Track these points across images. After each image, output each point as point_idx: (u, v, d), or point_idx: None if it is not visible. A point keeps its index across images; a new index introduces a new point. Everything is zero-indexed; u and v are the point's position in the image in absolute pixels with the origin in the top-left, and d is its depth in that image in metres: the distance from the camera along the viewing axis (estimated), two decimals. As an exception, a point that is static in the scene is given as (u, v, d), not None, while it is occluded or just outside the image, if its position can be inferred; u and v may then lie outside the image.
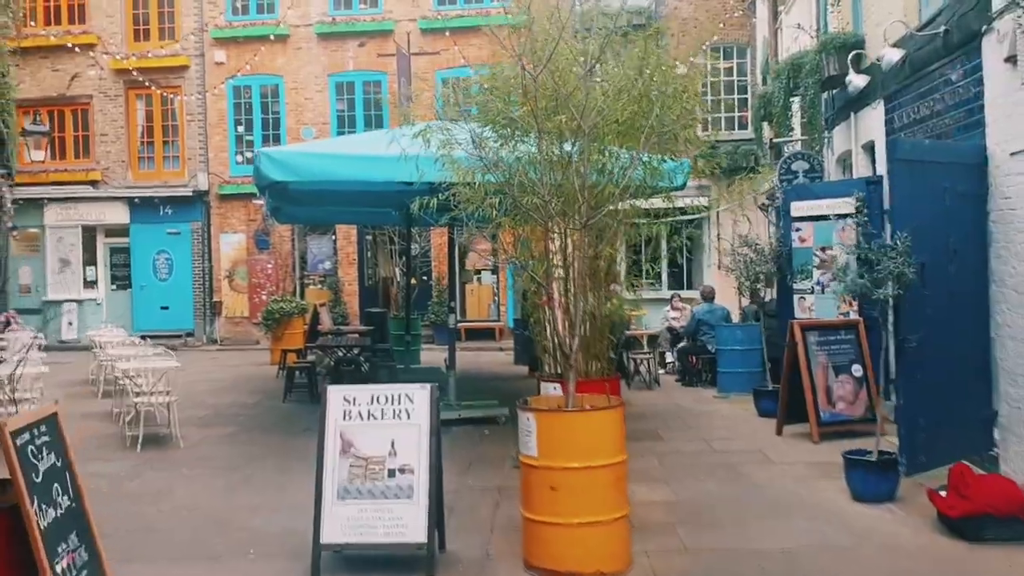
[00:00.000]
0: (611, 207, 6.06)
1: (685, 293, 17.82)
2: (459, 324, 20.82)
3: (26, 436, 3.73)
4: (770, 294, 13.17)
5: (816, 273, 10.82)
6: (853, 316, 10.00)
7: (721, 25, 19.59)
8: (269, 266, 21.84)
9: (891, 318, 7.55)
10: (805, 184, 12.38)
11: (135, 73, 21.60)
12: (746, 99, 20.43)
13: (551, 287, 6.26)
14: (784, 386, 9.61)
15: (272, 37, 21.54)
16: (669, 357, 15.26)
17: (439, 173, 6.84)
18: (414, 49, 19.79)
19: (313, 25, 21.58)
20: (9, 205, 15.12)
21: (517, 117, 5.99)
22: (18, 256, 22.49)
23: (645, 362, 13.93)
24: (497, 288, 21.33)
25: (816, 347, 9.59)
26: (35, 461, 3.73)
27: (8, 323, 18.25)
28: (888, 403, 9.20)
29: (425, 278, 21.43)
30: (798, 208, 10.95)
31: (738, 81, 20.58)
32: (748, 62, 20.51)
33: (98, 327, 16.46)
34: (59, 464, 3.94)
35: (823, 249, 10.72)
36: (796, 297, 11.00)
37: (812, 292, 10.90)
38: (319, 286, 21.97)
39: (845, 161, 12.50)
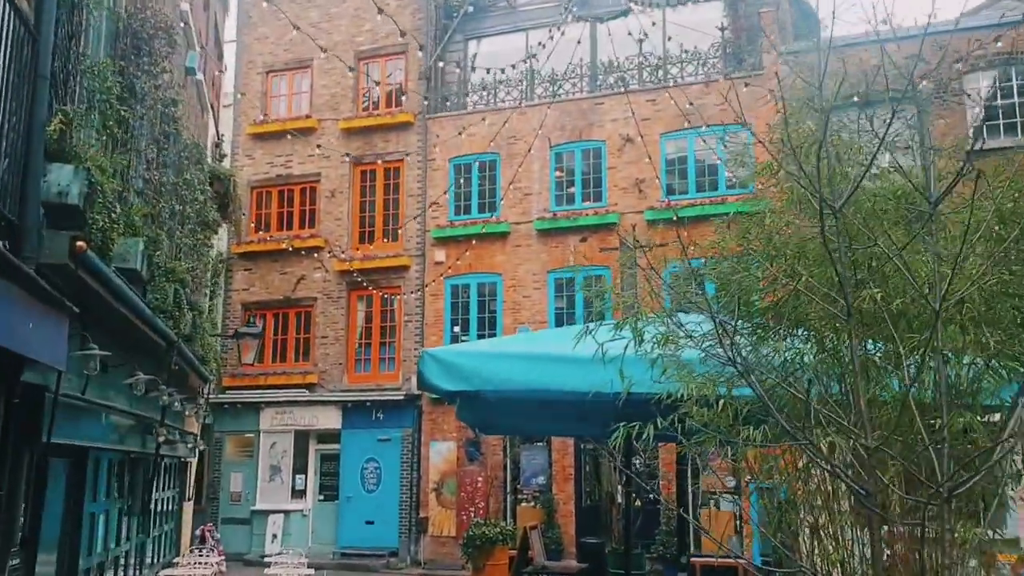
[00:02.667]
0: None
1: None
2: (691, 559, 17.45)
3: None
4: None
5: None
6: None
7: None
8: (479, 479, 19.69)
9: None
10: None
11: (356, 275, 21.20)
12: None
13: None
14: None
15: (492, 235, 20.53)
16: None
17: (656, 383, 4.41)
18: (640, 241, 17.85)
19: (533, 221, 20.39)
20: (201, 411, 14.24)
21: (803, 288, 3.45)
22: (231, 461, 21.93)
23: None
24: (739, 516, 17.80)
25: None
26: None
27: (203, 538, 17.12)
28: None
29: (653, 496, 18.39)
30: None
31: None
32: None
33: (283, 550, 14.78)
34: None
35: None
36: None
37: None
38: (532, 504, 19.44)
39: None
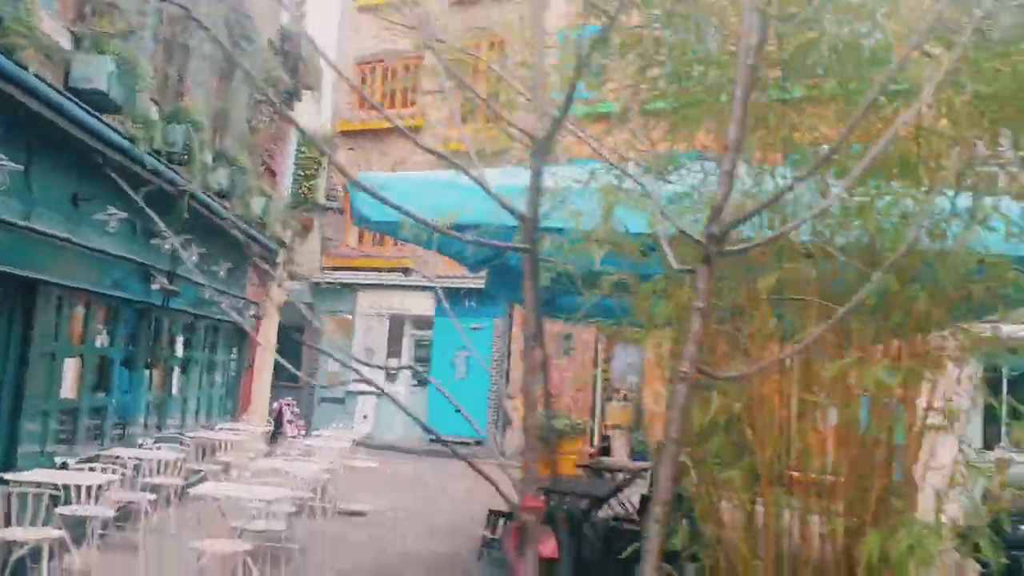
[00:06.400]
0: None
1: None
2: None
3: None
4: None
5: None
6: None
7: None
8: (568, 374, 18.68)
9: None
10: None
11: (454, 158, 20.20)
12: None
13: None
14: None
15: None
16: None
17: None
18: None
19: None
20: (276, 282, 13.82)
21: None
22: (331, 343, 21.84)
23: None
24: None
25: None
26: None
27: (280, 413, 16.96)
28: None
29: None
30: None
31: None
32: None
33: (327, 428, 14.35)
34: None
35: None
36: None
37: None
38: (622, 404, 18.30)
39: None
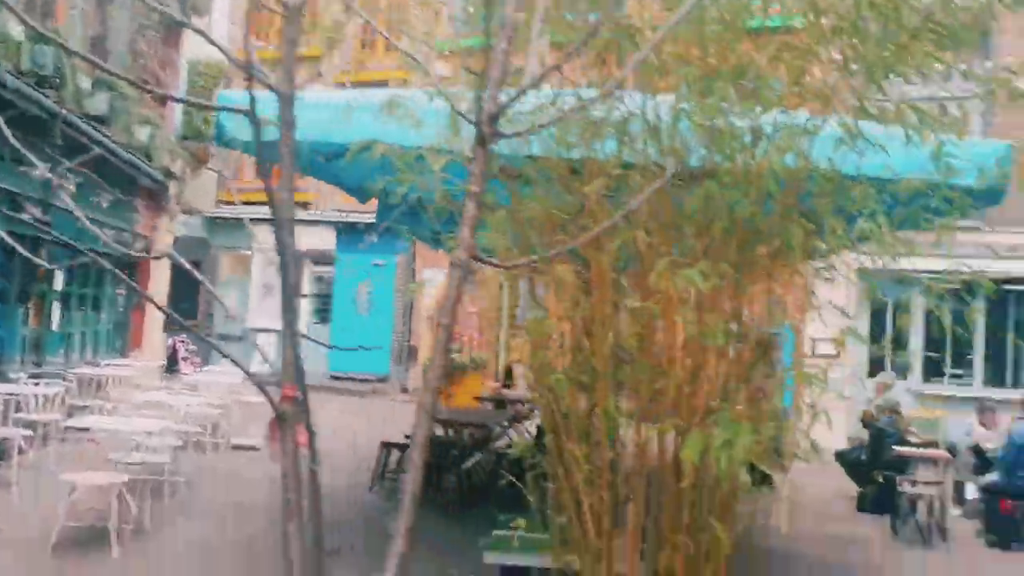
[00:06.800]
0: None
1: (1004, 394, 12.20)
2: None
3: None
4: None
5: None
6: None
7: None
8: (473, 311, 18.74)
9: None
10: None
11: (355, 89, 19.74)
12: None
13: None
14: None
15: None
16: (970, 492, 9.90)
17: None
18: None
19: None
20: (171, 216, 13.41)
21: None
22: (229, 279, 21.37)
23: (928, 498, 8.82)
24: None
25: None
26: None
27: (175, 351, 16.57)
28: None
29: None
30: None
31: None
32: None
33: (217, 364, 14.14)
34: None
35: None
36: None
37: None
38: (525, 339, 18.50)
39: None
